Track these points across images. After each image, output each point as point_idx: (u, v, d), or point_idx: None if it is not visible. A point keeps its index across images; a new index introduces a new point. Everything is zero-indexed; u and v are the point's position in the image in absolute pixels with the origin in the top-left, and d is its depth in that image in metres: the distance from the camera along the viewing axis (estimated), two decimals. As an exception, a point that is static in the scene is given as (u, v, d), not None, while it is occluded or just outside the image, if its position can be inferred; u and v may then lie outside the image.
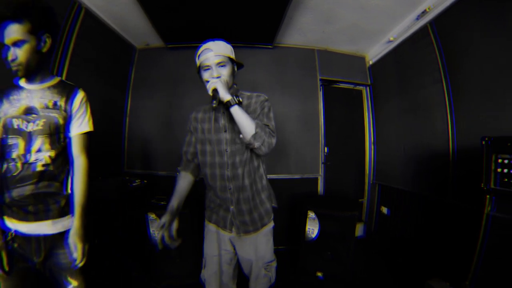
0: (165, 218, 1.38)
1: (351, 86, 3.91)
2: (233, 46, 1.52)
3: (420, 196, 2.82)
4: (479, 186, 1.60)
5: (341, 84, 3.85)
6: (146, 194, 3.01)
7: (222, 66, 1.42)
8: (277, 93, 3.52)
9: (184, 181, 1.63)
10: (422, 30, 2.72)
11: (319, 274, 2.62)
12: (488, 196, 1.53)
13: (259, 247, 1.60)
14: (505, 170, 1.45)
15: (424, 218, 2.76)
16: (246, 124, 1.33)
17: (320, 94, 3.65)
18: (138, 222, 2.53)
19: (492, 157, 1.51)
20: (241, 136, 1.38)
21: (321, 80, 3.67)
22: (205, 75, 1.42)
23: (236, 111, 1.32)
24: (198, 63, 1.46)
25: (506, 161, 1.45)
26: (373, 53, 3.73)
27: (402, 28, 3.00)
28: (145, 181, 3.01)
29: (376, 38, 3.39)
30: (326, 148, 3.70)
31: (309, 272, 2.67)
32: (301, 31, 3.29)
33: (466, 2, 2.21)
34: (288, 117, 3.51)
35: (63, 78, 2.32)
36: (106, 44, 3.03)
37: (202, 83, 1.48)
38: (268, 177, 1.73)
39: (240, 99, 1.36)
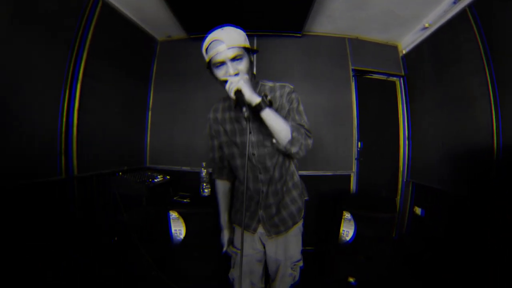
0: (227, 235, 1.55)
1: (383, 77, 3.69)
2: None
3: (459, 197, 2.58)
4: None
5: (374, 75, 3.65)
6: (169, 190, 2.94)
7: (238, 59, 1.18)
8: (307, 85, 3.36)
9: (225, 191, 1.63)
10: (461, 15, 2.48)
11: (352, 279, 2.47)
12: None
13: (289, 247, 1.53)
14: None
15: (462, 221, 2.53)
16: (281, 128, 1.17)
17: (353, 85, 3.47)
18: (160, 219, 2.47)
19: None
20: (274, 141, 1.23)
21: (353, 70, 3.49)
22: (219, 73, 1.21)
23: (268, 115, 1.14)
24: (207, 58, 1.22)
25: None
26: (407, 41, 3.50)
27: (438, 13, 2.77)
28: (168, 177, 2.93)
29: (410, 25, 3.16)
30: (359, 143, 3.52)
31: (340, 277, 2.53)
32: (331, 18, 3.12)
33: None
34: (318, 110, 3.35)
35: (81, 70, 2.34)
36: (126, 37, 2.97)
37: (216, 81, 1.27)
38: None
39: (270, 98, 1.15)
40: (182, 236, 2.37)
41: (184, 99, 3.46)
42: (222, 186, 1.62)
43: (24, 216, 1.86)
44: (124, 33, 2.95)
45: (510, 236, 1.89)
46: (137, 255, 2.50)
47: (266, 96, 1.15)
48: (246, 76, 1.19)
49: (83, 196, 2.39)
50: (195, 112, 3.42)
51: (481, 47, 2.29)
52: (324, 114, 3.39)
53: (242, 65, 1.19)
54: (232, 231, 1.49)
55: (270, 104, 1.14)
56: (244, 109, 1.10)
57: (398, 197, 3.66)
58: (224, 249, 1.58)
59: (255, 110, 1.13)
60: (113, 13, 2.72)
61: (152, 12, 2.93)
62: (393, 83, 3.74)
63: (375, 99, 3.69)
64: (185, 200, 2.53)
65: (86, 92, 2.39)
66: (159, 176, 2.85)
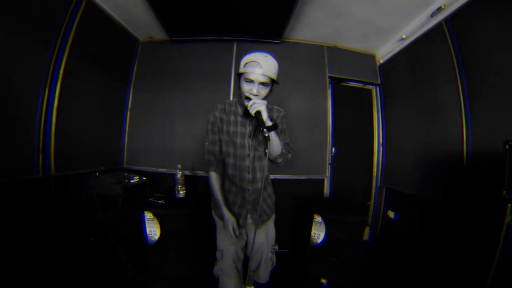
0: (231, 219, 1.63)
1: (360, 85, 3.79)
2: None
3: (430, 202, 2.69)
4: (498, 194, 1.49)
5: (350, 83, 3.74)
6: (145, 192, 2.94)
7: (264, 85, 1.46)
8: (284, 90, 3.36)
9: (220, 183, 1.74)
10: (437, 28, 2.59)
11: (324, 280, 2.51)
12: (509, 205, 1.42)
13: (269, 233, 1.90)
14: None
15: (433, 225, 2.63)
16: (276, 145, 1.53)
17: (329, 92, 3.53)
18: (136, 219, 2.43)
19: (516, 162, 1.40)
20: (266, 151, 1.56)
21: (330, 77, 3.55)
22: (245, 87, 1.47)
23: (273, 135, 1.47)
24: (241, 70, 1.48)
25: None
26: (384, 51, 3.60)
27: (415, 25, 2.88)
28: (144, 178, 2.90)
29: (388, 35, 3.27)
30: (333, 149, 3.59)
31: (313, 278, 2.56)
32: (311, 26, 3.18)
33: (483, -1, 2.09)
34: (294, 115, 3.36)
35: (62, 69, 2.31)
36: (108, 36, 2.93)
37: (238, 87, 1.58)
38: (272, 177, 2.04)
39: (277, 123, 1.44)
40: (156, 237, 2.36)
41: (162, 101, 3.42)
42: (218, 178, 1.73)
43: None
44: (107, 32, 2.91)
45: (480, 238, 1.99)
46: (114, 255, 2.50)
47: (275, 121, 1.44)
48: (266, 102, 1.44)
49: (60, 195, 2.37)
50: (173, 114, 3.39)
51: (454, 59, 2.39)
52: (300, 120, 3.42)
53: (265, 91, 1.49)
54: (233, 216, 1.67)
55: (276, 127, 1.42)
56: (266, 131, 1.40)
57: (372, 201, 3.75)
58: (237, 232, 1.65)
59: (263, 128, 1.40)
60: (96, 12, 2.68)
61: (136, 12, 2.91)
62: (369, 91, 3.85)
63: (351, 106, 3.77)
64: (160, 201, 2.52)
65: (66, 91, 2.36)
66: (135, 177, 2.82)
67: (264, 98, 1.52)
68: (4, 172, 1.87)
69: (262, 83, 1.44)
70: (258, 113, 1.38)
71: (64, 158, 2.39)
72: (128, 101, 3.44)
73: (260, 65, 1.41)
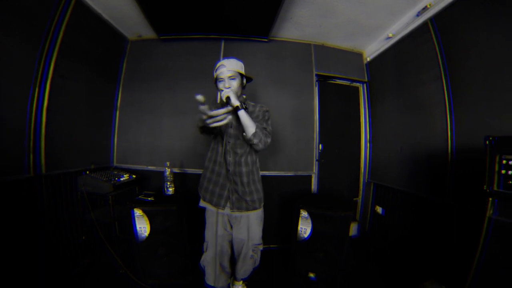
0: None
1: (347, 83, 3.84)
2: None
3: (416, 197, 2.77)
4: (480, 188, 1.54)
5: (337, 80, 3.79)
6: (134, 189, 2.97)
7: (232, 79, 1.80)
8: (271, 88, 3.42)
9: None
10: (422, 27, 2.65)
11: (312, 274, 2.55)
12: (490, 198, 1.47)
13: (250, 229, 2.02)
14: (510, 172, 1.38)
15: (419, 219, 2.71)
16: (249, 124, 1.73)
17: (316, 90, 3.56)
18: (125, 217, 2.41)
19: (495, 158, 1.45)
20: (244, 134, 1.77)
21: (316, 75, 3.59)
22: (220, 85, 1.81)
23: (242, 114, 1.71)
24: (215, 75, 1.85)
25: (510, 162, 1.38)
26: (371, 49, 3.66)
27: (401, 24, 2.94)
28: (134, 176, 2.92)
29: (375, 34, 3.32)
30: (320, 145, 3.63)
31: (301, 273, 2.60)
32: (298, 25, 3.20)
33: (468, -1, 2.15)
34: (281, 113, 3.41)
35: (51, 68, 2.31)
36: (97, 35, 2.92)
37: (217, 90, 1.88)
38: (261, 174, 2.12)
39: (246, 106, 1.86)
40: (146, 234, 2.38)
41: (151, 99, 3.41)
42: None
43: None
44: (96, 31, 2.91)
45: (464, 230, 2.06)
46: (104, 253, 2.56)
47: (244, 103, 1.85)
48: (235, 89, 1.80)
49: (51, 194, 2.38)
50: (162, 112, 3.39)
51: (439, 57, 2.45)
52: (288, 117, 3.45)
53: (235, 83, 1.81)
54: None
55: (245, 109, 1.76)
56: (228, 106, 1.51)
57: (360, 197, 3.82)
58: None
59: (235, 110, 1.71)
60: (85, 11, 2.69)
61: (124, 11, 2.91)
62: (357, 88, 3.90)
63: (338, 104, 3.82)
64: (149, 199, 2.54)
65: (55, 91, 2.37)
66: (125, 175, 2.85)
67: (240, 92, 1.89)
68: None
69: (230, 77, 1.78)
70: (228, 98, 1.70)
71: (54, 157, 2.39)
72: (117, 100, 3.43)
73: (224, 65, 1.78)
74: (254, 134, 1.74)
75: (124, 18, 3.07)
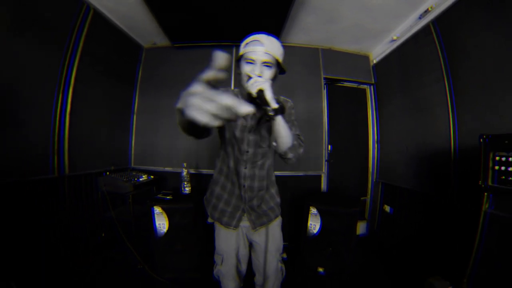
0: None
1: (355, 85, 3.93)
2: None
3: (423, 195, 2.83)
4: (476, 184, 1.63)
5: (345, 83, 3.88)
6: (152, 189, 3.12)
7: (267, 66, 1.24)
8: (282, 92, 3.50)
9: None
10: (425, 29, 2.73)
11: (320, 269, 2.66)
12: (485, 193, 1.56)
13: (274, 237, 1.64)
14: (503, 168, 1.47)
15: (426, 217, 2.77)
16: (286, 135, 1.25)
17: (324, 92, 3.67)
18: (144, 215, 2.58)
19: (489, 154, 1.54)
20: (274, 144, 1.31)
21: (325, 79, 3.69)
22: (246, 69, 1.24)
23: (280, 120, 1.19)
24: (241, 51, 1.27)
25: (503, 159, 1.47)
26: (377, 52, 3.74)
27: (405, 27, 3.02)
28: (152, 176, 3.07)
29: (380, 37, 3.41)
30: (329, 146, 3.73)
31: (310, 267, 2.71)
32: (305, 31, 3.32)
33: (468, 1, 2.22)
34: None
35: (73, 76, 2.50)
36: (114, 43, 3.11)
37: (238, 73, 1.34)
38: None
39: (284, 109, 1.18)
40: (165, 230, 2.52)
41: (166, 104, 3.57)
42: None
43: (19, 212, 2.03)
44: (113, 40, 3.10)
45: (467, 227, 2.12)
46: (124, 249, 2.69)
47: (282, 103, 1.20)
48: (270, 81, 1.25)
49: (72, 193, 2.56)
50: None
51: (441, 58, 2.53)
52: (298, 120, 3.50)
53: (268, 73, 1.25)
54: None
55: (283, 112, 1.17)
56: (269, 109, 1.11)
57: (368, 196, 3.90)
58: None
59: (270, 113, 1.13)
60: (102, 21, 2.87)
61: (139, 21, 3.07)
62: (364, 90, 3.99)
63: (346, 106, 3.90)
64: (167, 197, 2.67)
65: (77, 97, 2.56)
66: (143, 176, 3.00)
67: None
68: (22, 172, 2.06)
69: (265, 63, 1.22)
70: (261, 92, 1.12)
71: (76, 159, 2.58)
72: (134, 105, 3.62)
73: (262, 43, 1.21)
74: (291, 148, 1.31)
75: (139, 27, 3.24)
